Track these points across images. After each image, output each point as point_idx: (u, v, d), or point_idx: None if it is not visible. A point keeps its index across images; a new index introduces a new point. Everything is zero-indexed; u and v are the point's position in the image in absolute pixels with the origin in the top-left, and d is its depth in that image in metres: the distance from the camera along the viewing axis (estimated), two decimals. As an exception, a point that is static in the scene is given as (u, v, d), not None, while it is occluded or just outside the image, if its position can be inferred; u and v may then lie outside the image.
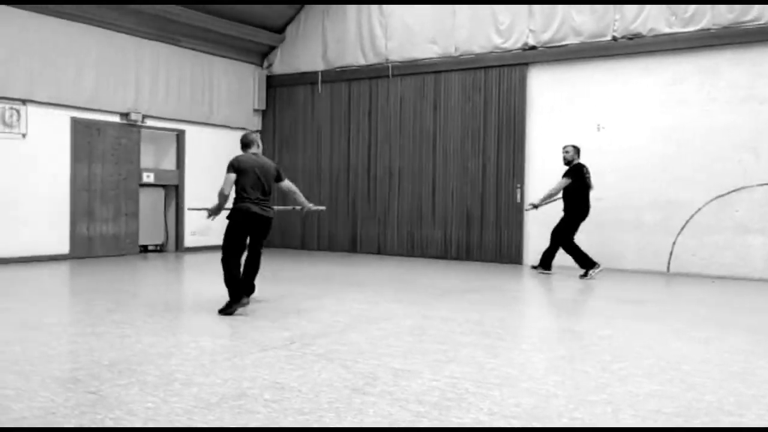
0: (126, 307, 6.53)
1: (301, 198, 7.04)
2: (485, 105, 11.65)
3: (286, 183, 6.77)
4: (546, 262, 9.66)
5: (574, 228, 9.35)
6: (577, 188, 9.32)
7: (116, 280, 8.68)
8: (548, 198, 9.62)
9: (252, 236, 6.50)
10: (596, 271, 9.12)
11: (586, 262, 9.19)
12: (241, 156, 6.42)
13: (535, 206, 9.75)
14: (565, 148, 9.60)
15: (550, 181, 11.01)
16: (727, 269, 9.70)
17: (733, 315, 6.65)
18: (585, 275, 9.12)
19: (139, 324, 5.63)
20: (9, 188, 10.11)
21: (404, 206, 12.49)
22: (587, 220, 9.50)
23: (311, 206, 7.16)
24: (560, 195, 9.50)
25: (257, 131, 14.05)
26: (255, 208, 6.27)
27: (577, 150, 9.55)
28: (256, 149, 6.55)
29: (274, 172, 6.56)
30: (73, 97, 10.83)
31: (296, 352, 4.70)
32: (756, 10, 9.51)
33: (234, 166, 6.27)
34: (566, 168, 9.51)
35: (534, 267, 10.03)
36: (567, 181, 9.34)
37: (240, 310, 6.15)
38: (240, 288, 6.18)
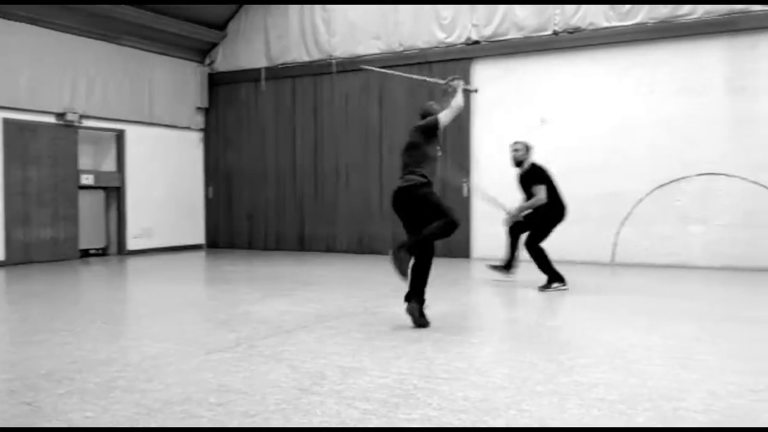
0: (66, 313, 6.31)
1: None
2: (430, 100, 11.63)
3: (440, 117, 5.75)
4: None
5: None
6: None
7: (55, 286, 8.40)
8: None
9: (404, 218, 5.62)
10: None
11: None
12: None
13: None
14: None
15: (496, 176, 11.12)
16: (671, 258, 9.94)
17: (678, 303, 6.81)
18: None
19: (80, 331, 5.45)
20: (-62, 193, 9.69)
21: (352, 204, 12.43)
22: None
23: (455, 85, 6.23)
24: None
25: (201, 129, 13.82)
26: (397, 184, 5.59)
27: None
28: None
29: (414, 128, 5.69)
30: (6, 98, 10.42)
31: (243, 353, 4.61)
32: (687, 6, 9.82)
33: None
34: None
35: None
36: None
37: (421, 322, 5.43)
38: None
